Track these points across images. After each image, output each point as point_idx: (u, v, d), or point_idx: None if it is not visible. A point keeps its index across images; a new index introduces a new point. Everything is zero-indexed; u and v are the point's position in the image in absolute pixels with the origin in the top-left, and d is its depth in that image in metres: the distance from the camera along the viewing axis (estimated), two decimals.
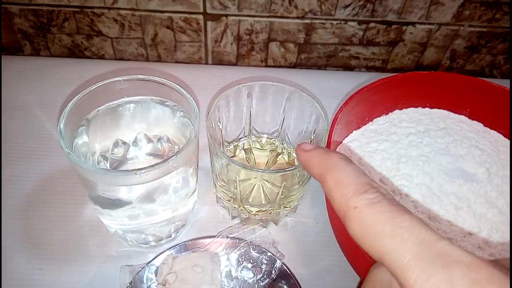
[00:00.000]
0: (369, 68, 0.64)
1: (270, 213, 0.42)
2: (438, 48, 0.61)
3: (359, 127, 0.45)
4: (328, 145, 0.37)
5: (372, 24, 0.57)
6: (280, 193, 0.39)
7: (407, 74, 0.46)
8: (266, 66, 0.63)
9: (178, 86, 0.37)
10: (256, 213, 0.42)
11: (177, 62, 0.62)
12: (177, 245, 0.40)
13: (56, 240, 0.42)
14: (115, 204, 0.35)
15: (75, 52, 0.61)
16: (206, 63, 0.63)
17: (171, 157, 0.32)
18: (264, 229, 0.42)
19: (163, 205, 0.37)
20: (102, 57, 0.62)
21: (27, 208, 0.44)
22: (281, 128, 0.46)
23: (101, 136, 0.39)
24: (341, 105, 0.40)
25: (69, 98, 0.55)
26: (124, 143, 0.41)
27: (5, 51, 0.61)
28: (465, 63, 0.63)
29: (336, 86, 0.59)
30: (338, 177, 0.24)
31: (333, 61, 0.62)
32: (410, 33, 0.59)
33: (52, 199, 0.45)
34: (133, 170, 0.31)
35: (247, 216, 0.43)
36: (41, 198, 0.45)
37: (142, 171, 0.31)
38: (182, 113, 0.38)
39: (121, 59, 0.62)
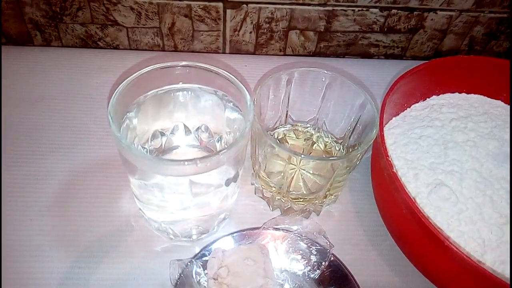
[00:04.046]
0: (387, 56, 0.63)
1: (315, 203, 0.41)
2: (458, 35, 0.60)
3: (398, 114, 0.45)
4: (381, 131, 0.36)
5: (394, 11, 0.57)
6: (330, 182, 0.38)
7: (444, 59, 0.45)
8: (285, 55, 0.62)
9: (234, 77, 0.35)
10: (300, 203, 0.41)
11: (193, 52, 0.61)
12: (221, 237, 0.39)
13: (93, 237, 0.40)
14: (168, 194, 0.34)
15: (88, 43, 0.59)
16: (224, 53, 0.61)
17: (228, 148, 0.31)
18: (310, 219, 0.41)
19: (215, 196, 0.36)
20: (116, 48, 0.60)
21: (59, 204, 0.42)
22: (318, 115, 0.44)
23: (143, 124, 0.37)
24: (387, 91, 0.39)
25: (94, 89, 0.53)
26: (162, 133, 0.39)
27: (14, 43, 0.58)
28: (482, 50, 0.63)
29: (356, 75, 0.59)
30: None
31: (353, 49, 0.62)
32: (431, 19, 0.58)
33: (83, 194, 0.43)
34: (194, 159, 0.30)
35: (290, 206, 0.42)
36: (71, 193, 0.43)
37: (202, 160, 0.30)
38: (232, 103, 0.37)
39: (136, 49, 0.60)
